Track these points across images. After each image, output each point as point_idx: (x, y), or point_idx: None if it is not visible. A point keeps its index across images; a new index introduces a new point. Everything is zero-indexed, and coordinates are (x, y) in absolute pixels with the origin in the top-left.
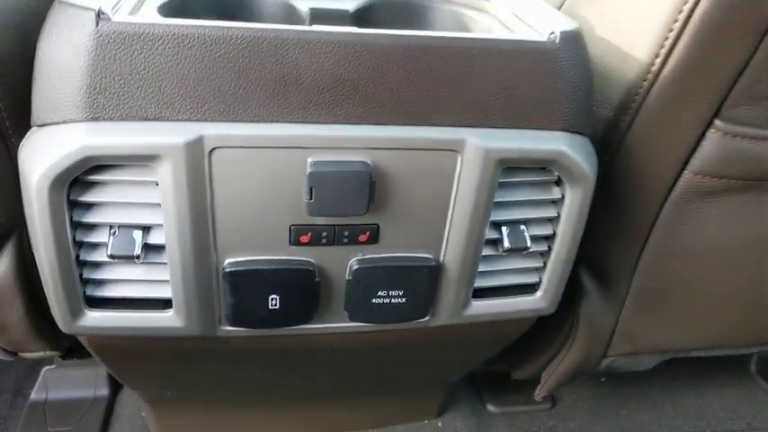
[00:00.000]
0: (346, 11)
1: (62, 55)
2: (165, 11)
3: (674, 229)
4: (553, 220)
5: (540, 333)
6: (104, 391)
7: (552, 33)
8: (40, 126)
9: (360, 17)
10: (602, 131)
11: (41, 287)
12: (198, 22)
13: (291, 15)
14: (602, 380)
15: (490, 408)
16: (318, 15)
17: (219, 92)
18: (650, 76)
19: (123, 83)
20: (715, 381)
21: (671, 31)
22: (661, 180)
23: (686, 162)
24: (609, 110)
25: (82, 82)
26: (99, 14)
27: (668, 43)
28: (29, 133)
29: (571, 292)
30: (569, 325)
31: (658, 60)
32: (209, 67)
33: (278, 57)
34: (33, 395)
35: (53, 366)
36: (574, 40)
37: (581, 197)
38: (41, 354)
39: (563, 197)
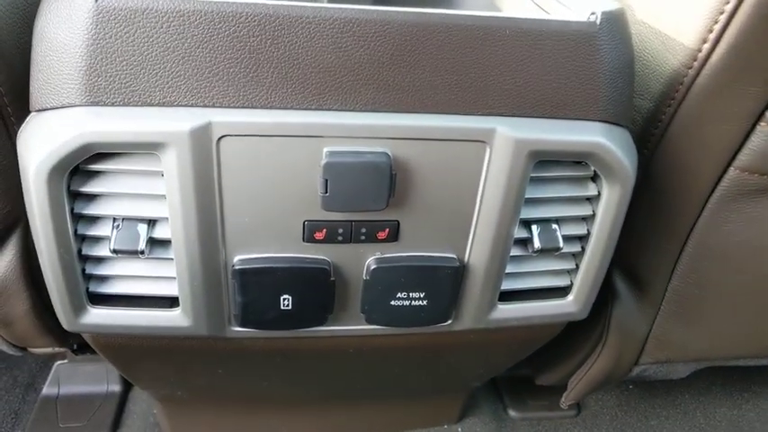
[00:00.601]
0: None
1: (59, 34)
2: None
3: (716, 230)
4: (588, 219)
5: (569, 337)
6: (117, 387)
7: (593, 14)
8: (39, 111)
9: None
10: (642, 124)
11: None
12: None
13: None
14: (630, 387)
15: (512, 413)
16: None
17: (229, 75)
18: (696, 64)
19: (125, 64)
20: (750, 390)
21: (721, 13)
22: (704, 177)
23: (733, 158)
24: (649, 100)
25: (81, 63)
26: None
27: (718, 27)
28: (27, 119)
29: (603, 296)
30: (600, 330)
31: (706, 46)
32: (218, 47)
33: (292, 36)
34: (45, 390)
35: (65, 361)
36: (616, 22)
37: (619, 194)
38: (50, 350)
39: (599, 194)
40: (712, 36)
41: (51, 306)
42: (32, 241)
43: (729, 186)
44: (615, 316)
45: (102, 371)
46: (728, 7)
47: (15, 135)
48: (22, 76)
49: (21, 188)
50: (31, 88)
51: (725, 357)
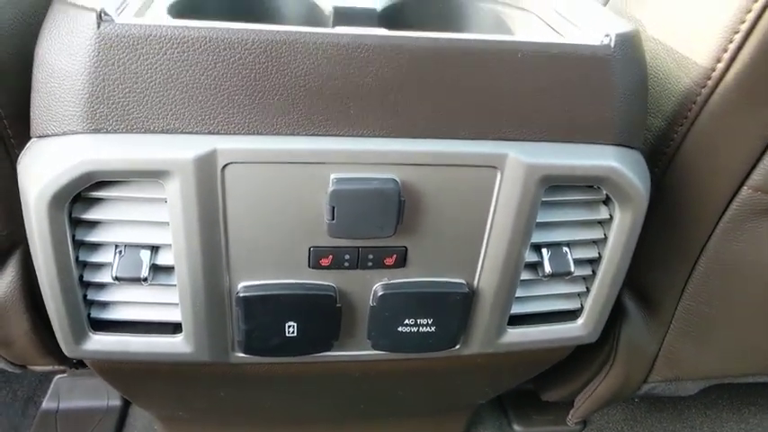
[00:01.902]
0: (373, 9)
1: (61, 59)
2: (176, 11)
3: (728, 249)
4: (599, 242)
5: (576, 356)
6: (117, 402)
7: (606, 36)
8: (40, 137)
9: (388, 17)
10: (653, 142)
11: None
12: (209, 23)
13: (313, 15)
14: (636, 400)
15: (516, 428)
16: (342, 15)
17: (233, 101)
18: (710, 83)
19: (128, 91)
20: (757, 404)
21: (736, 33)
22: (716, 196)
23: (746, 177)
24: (661, 119)
25: (83, 89)
26: (101, 15)
27: (733, 47)
28: (28, 144)
29: (612, 314)
30: (608, 348)
31: (720, 66)
32: (222, 74)
33: (297, 62)
34: (45, 404)
35: (65, 375)
36: (630, 44)
37: (632, 218)
38: (50, 368)
39: (611, 217)
40: (727, 56)
41: (51, 326)
42: (33, 263)
43: (741, 206)
44: (624, 334)
45: (102, 385)
46: (744, 27)
47: (16, 158)
48: (23, 100)
49: (21, 211)
50: (31, 114)
51: (735, 375)
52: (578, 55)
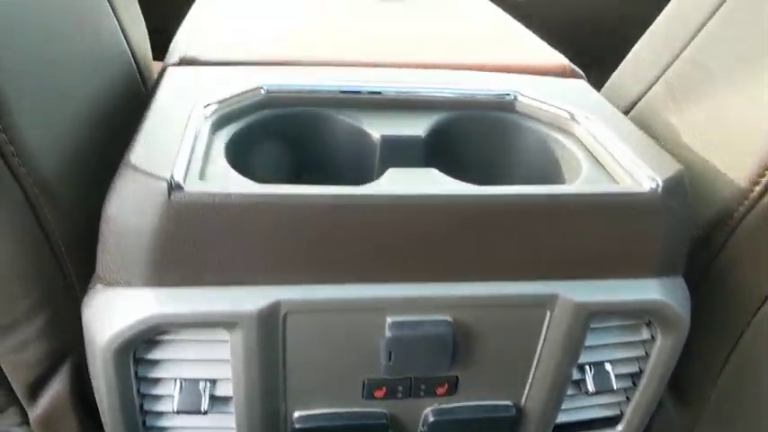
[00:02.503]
0: (418, 137)
1: (131, 221)
2: (233, 153)
3: (763, 340)
4: (641, 359)
5: None
6: None
7: (654, 182)
8: (106, 285)
9: (432, 142)
10: (692, 248)
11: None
12: (275, 188)
13: (363, 142)
14: None
15: None
16: (390, 144)
17: (296, 257)
18: (747, 203)
19: (195, 251)
20: None
21: None
22: (754, 295)
23: None
24: (699, 228)
25: (152, 249)
26: (171, 184)
27: None
28: (94, 291)
29: None
30: None
31: (758, 189)
32: (287, 233)
33: (357, 220)
34: None
35: None
36: (677, 187)
37: (673, 341)
38: None
39: (653, 338)
40: (764, 180)
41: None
42: (84, 370)
43: None
44: (656, 425)
45: None
46: None
47: (66, 268)
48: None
49: (71, 324)
50: (98, 262)
51: None
52: (627, 203)
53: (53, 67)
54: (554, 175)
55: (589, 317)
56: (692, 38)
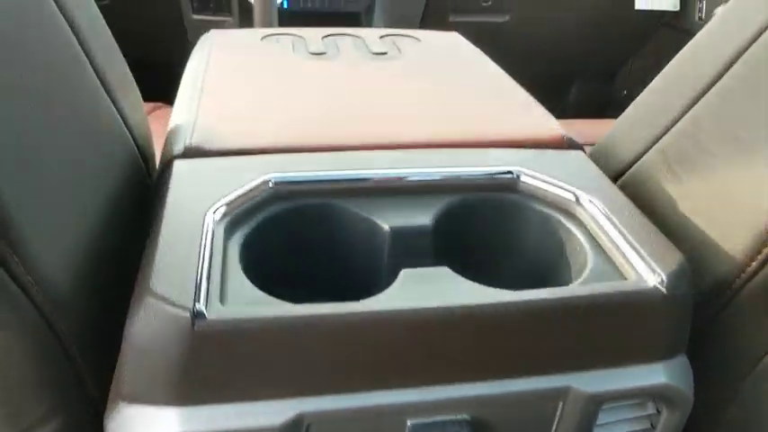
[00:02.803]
0: (426, 227)
1: (155, 347)
2: (247, 258)
3: (757, 399)
4: (647, 430)
5: None
6: None
7: (659, 277)
8: (128, 402)
9: (440, 229)
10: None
11: None
12: (296, 309)
13: (372, 233)
14: None
15: None
16: (399, 236)
17: (319, 371)
18: (744, 276)
19: (218, 372)
20: None
21: None
22: (749, 360)
23: None
24: (699, 294)
25: (174, 372)
26: (194, 314)
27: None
28: (117, 407)
29: None
30: None
31: (755, 264)
32: (311, 351)
33: (378, 333)
34: None
35: None
36: (680, 280)
37: (678, 417)
38: None
39: (658, 411)
40: (761, 257)
41: None
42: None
43: None
44: None
45: None
46: None
47: (65, 339)
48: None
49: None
50: (120, 378)
51: None
52: (633, 300)
53: (60, 171)
54: (560, 263)
55: (599, 404)
56: (690, 107)
